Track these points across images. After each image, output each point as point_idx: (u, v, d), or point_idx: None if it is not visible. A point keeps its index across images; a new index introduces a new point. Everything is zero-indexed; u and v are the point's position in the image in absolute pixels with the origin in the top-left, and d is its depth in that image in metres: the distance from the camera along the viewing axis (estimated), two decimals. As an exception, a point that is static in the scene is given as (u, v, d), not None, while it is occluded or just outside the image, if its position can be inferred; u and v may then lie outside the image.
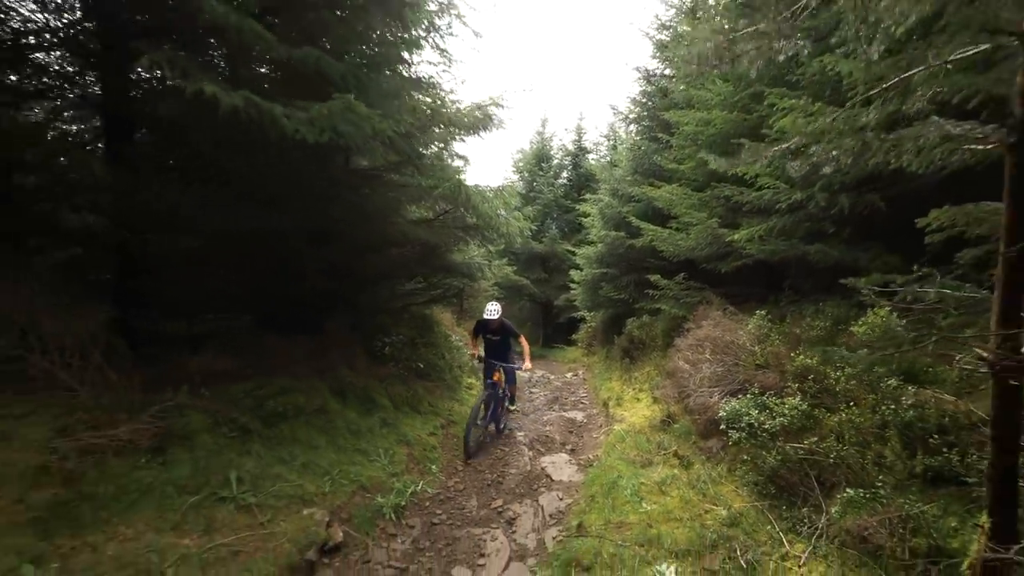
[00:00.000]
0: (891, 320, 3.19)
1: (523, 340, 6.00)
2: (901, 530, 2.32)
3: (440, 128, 4.57)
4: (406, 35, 4.05)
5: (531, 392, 10.26)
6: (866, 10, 2.20)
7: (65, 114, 4.08)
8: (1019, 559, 1.68)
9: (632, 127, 12.62)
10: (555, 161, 23.49)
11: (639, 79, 11.84)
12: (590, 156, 23.18)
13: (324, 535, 3.17)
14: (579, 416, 8.01)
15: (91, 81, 3.85)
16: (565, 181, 22.79)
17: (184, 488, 2.89)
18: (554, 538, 3.73)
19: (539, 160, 22.25)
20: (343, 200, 5.29)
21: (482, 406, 5.65)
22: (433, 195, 5.16)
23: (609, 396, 8.32)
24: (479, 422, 5.66)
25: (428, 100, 4.81)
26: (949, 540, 2.17)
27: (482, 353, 6.05)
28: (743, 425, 3.59)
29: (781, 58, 2.49)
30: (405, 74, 4.51)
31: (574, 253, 17.68)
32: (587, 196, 20.51)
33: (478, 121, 5.26)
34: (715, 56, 2.48)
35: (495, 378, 5.85)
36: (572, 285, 14.27)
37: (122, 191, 3.35)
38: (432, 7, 4.11)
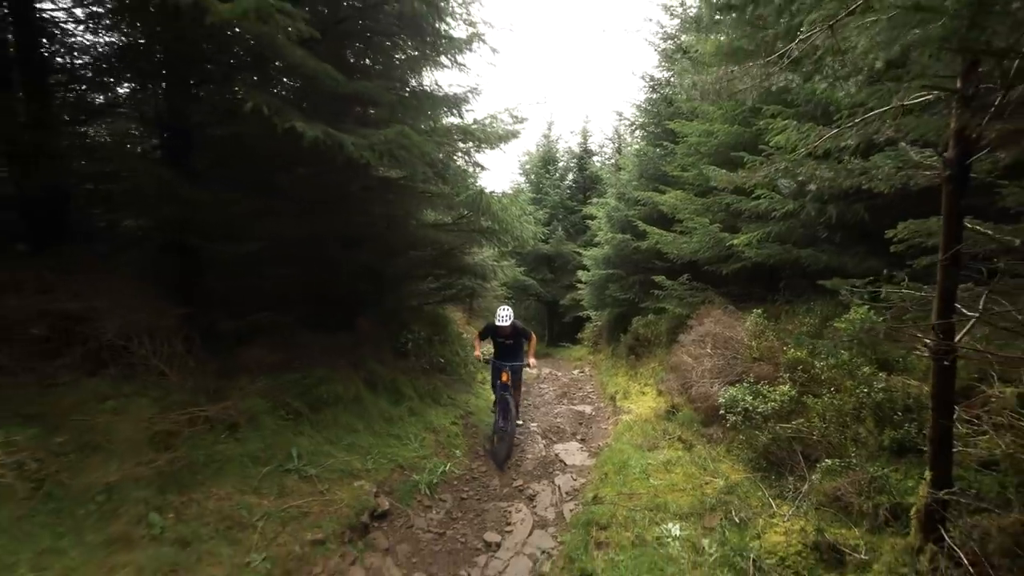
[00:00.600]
0: (867, 316, 3.65)
1: (532, 337, 6.08)
2: (868, 490, 2.77)
3: (465, 143, 5.03)
4: (437, 58, 4.53)
5: (540, 387, 10.73)
6: (843, 56, 2.66)
7: (134, 132, 4.57)
8: (949, 498, 2.14)
9: (638, 133, 13.08)
10: (561, 163, 23.94)
11: (645, 87, 12.28)
12: (595, 159, 23.65)
13: (373, 503, 3.65)
14: (587, 409, 8.47)
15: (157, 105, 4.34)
16: (571, 183, 23.21)
17: (257, 460, 3.38)
18: (571, 510, 4.20)
19: (545, 163, 22.68)
20: (374, 207, 5.77)
21: (499, 414, 5.60)
22: (455, 202, 5.63)
23: (616, 390, 8.78)
24: (506, 429, 5.52)
25: (456, 120, 5.28)
26: (906, 496, 2.63)
27: (486, 357, 6.18)
28: (739, 410, 4.05)
29: (774, 88, 2.95)
30: (437, 94, 4.97)
31: (580, 253, 18.15)
32: (593, 198, 20.99)
33: (500, 136, 5.71)
34: (715, 92, 2.94)
35: (504, 379, 5.66)
36: (579, 285, 14.71)
37: (189, 202, 3.83)
38: (462, 35, 4.58)
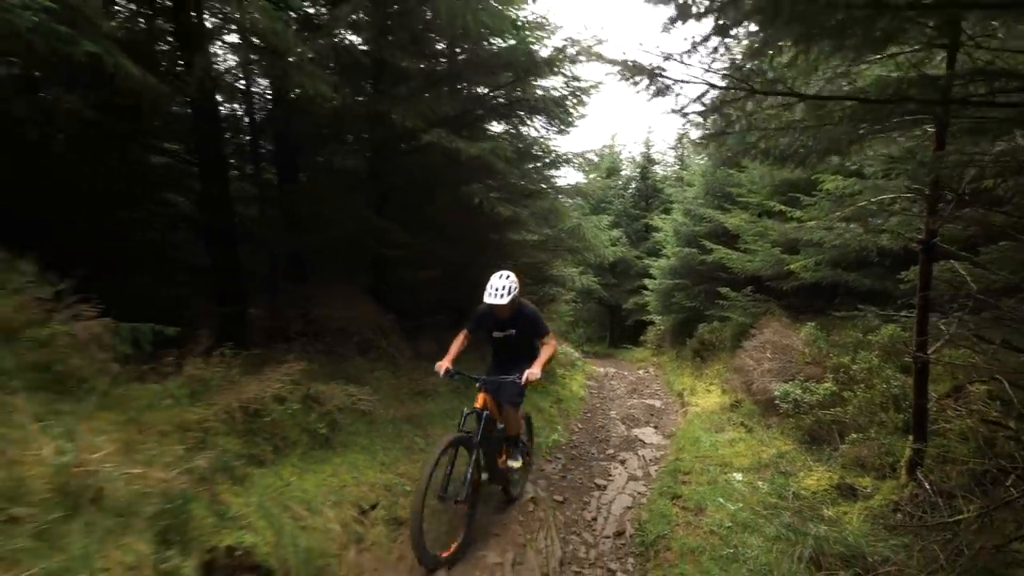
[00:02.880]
0: (896, 333, 4.84)
1: (551, 340, 3.73)
2: (879, 454, 4.02)
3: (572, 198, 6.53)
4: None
5: (611, 384, 12.10)
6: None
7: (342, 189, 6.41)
8: (921, 448, 3.40)
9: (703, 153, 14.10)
10: (624, 172, 25.04)
11: (711, 110, 13.30)
12: (657, 168, 24.60)
13: (517, 452, 5.22)
14: (657, 403, 9.77)
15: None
16: (634, 191, 24.20)
17: (446, 415, 5.03)
18: (655, 471, 5.60)
19: (609, 173, 23.79)
20: (493, 236, 7.41)
21: (439, 460, 3.00)
22: (560, 234, 7.13)
23: (683, 388, 10.02)
24: (440, 494, 3.06)
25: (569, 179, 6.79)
26: (903, 456, 3.87)
27: (455, 369, 3.58)
28: (790, 400, 5.31)
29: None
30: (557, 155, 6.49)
31: (641, 258, 19.26)
32: (656, 208, 21.95)
33: (590, 161, 7.14)
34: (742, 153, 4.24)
35: (479, 403, 3.46)
36: (645, 292, 15.86)
37: (385, 240, 5.55)
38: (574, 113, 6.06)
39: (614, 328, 23.39)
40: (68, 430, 1.76)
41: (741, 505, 3.84)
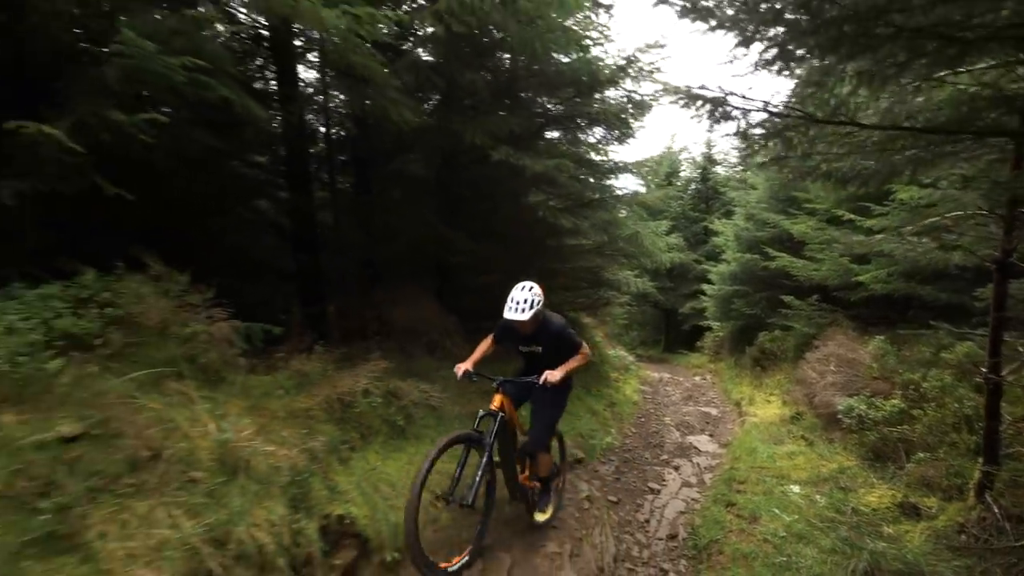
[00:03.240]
0: (972, 351, 4.67)
1: (584, 351, 3.39)
2: (947, 474, 3.94)
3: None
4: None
5: (665, 390, 12.04)
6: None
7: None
8: (993, 471, 3.33)
9: (769, 155, 13.68)
10: (683, 173, 24.51)
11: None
12: (719, 168, 23.90)
13: (574, 452, 5.45)
14: (713, 411, 9.67)
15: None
16: (693, 192, 23.64)
17: (506, 415, 5.32)
18: (710, 479, 5.66)
19: (668, 176, 23.37)
20: (547, 243, 7.66)
21: (437, 458, 2.69)
22: (617, 241, 7.28)
23: (741, 397, 9.86)
24: (446, 495, 2.87)
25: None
26: (972, 478, 3.78)
27: (477, 371, 3.34)
28: (854, 415, 5.22)
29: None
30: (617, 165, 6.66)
31: (700, 262, 18.83)
32: (715, 207, 21.39)
33: (648, 168, 7.24)
34: (804, 176, 4.22)
35: (495, 405, 3.14)
36: (703, 297, 15.58)
37: (452, 249, 5.91)
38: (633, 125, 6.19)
39: (669, 332, 23.01)
40: (220, 413, 2.19)
41: (797, 517, 3.89)
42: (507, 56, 5.79)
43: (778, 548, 3.38)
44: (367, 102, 3.89)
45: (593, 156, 6.64)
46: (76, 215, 3.29)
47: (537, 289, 3.21)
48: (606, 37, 4.84)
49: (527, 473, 3.61)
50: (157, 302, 2.58)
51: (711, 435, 7.89)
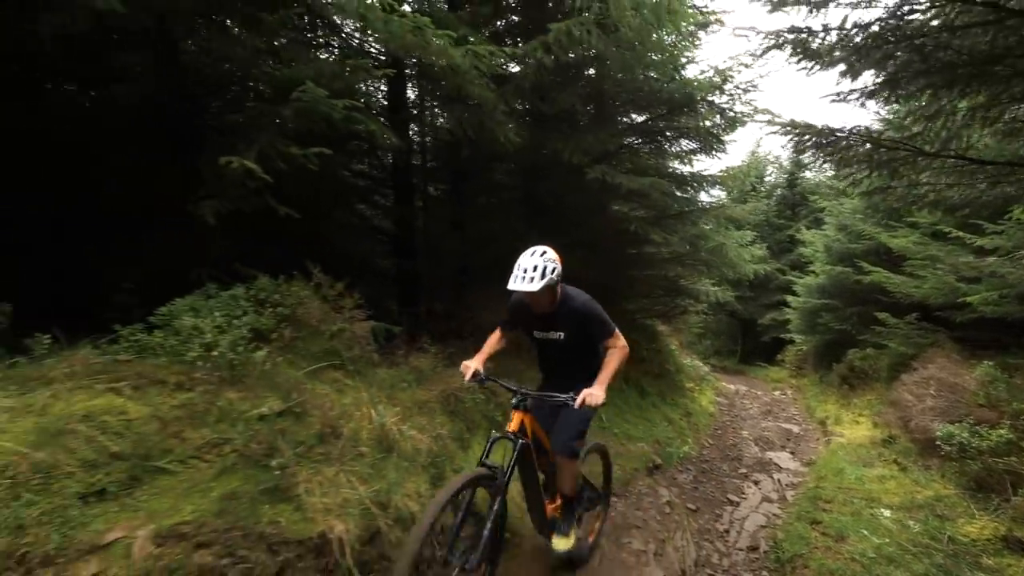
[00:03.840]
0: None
1: (618, 342, 2.59)
2: (1062, 512, 3.75)
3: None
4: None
5: (743, 403, 11.74)
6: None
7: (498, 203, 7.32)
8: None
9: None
10: (768, 179, 23.42)
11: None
12: (808, 173, 22.61)
13: (652, 458, 5.62)
14: (795, 428, 9.36)
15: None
16: (778, 198, 22.55)
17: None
18: (792, 496, 5.60)
19: (753, 184, 22.45)
20: (628, 252, 7.83)
21: (445, 509, 2.01)
22: (700, 252, 7.31)
23: (826, 416, 9.47)
24: (447, 555, 2.09)
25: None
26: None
27: (486, 375, 2.68)
28: (955, 443, 4.99)
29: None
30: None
31: (784, 272, 17.95)
32: (802, 214, 20.28)
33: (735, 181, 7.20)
34: (909, 204, 4.12)
35: (513, 426, 2.46)
36: (786, 309, 14.93)
37: None
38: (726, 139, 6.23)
39: (746, 343, 22.11)
40: (377, 400, 2.66)
41: (888, 540, 3.87)
42: (596, 74, 6.05)
43: (866, 568, 3.41)
44: (478, 122, 4.28)
45: (680, 168, 6.76)
46: (241, 229, 3.95)
47: (552, 254, 2.46)
48: (696, 48, 4.96)
49: (556, 503, 2.83)
50: (314, 304, 3.12)
51: (792, 452, 7.70)
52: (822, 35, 2.27)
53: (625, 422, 6.20)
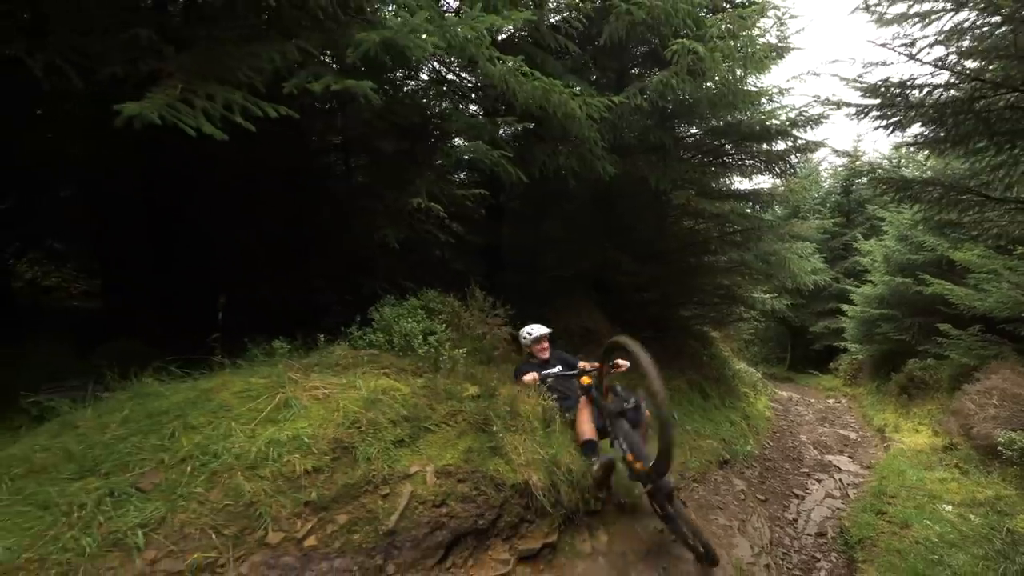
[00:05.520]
0: None
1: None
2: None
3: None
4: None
5: (797, 409, 12.03)
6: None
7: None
8: None
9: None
10: (824, 185, 23.14)
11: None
12: (864, 179, 22.28)
13: (721, 454, 6.20)
14: (852, 435, 9.66)
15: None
16: (833, 205, 22.27)
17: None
18: (854, 494, 6.07)
19: (805, 187, 22.20)
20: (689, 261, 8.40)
21: None
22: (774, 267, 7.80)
23: (884, 424, 9.71)
24: None
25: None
26: None
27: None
28: (1016, 448, 5.38)
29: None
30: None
31: (837, 280, 17.84)
32: (857, 221, 20.02)
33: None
34: (971, 235, 4.54)
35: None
36: (842, 318, 14.98)
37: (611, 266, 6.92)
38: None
39: (795, 350, 21.94)
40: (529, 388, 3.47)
41: (949, 529, 4.36)
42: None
43: (930, 548, 3.94)
44: (579, 156, 5.00)
45: (745, 184, 7.30)
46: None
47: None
48: (781, 92, 5.52)
49: None
50: (465, 312, 3.93)
51: (851, 457, 8.08)
52: (902, 111, 2.88)
53: (693, 421, 6.80)
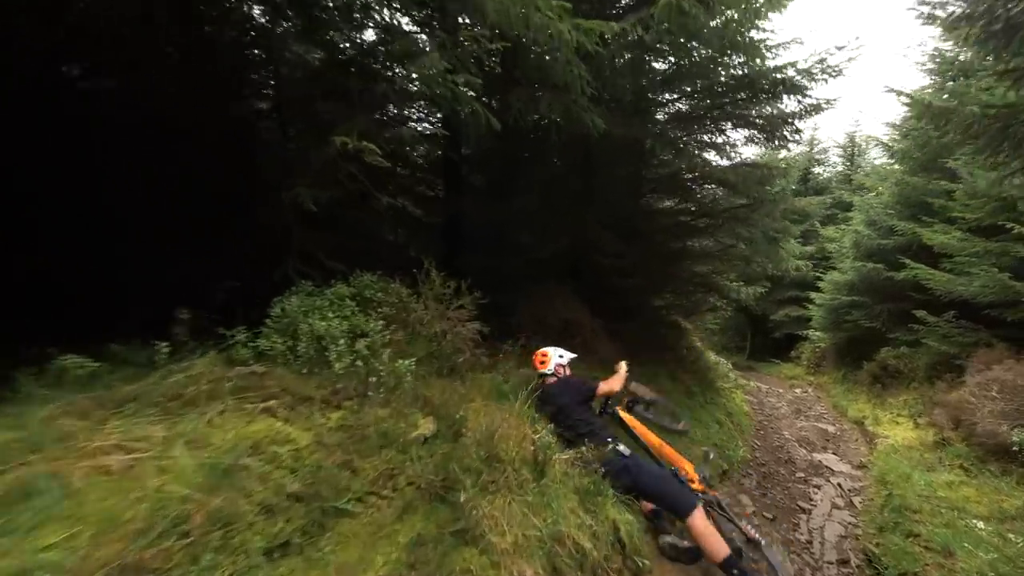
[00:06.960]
0: None
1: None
2: None
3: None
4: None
5: (769, 400, 11.60)
6: None
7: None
8: None
9: (894, 158, 12.55)
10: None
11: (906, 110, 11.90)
12: (820, 168, 22.60)
13: (719, 463, 5.41)
14: (830, 428, 9.22)
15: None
16: (791, 194, 22.33)
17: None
18: (859, 502, 5.43)
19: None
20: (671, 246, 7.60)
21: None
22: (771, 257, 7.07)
23: (862, 416, 9.33)
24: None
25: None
26: None
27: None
28: (1036, 449, 4.84)
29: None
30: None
31: (799, 269, 17.75)
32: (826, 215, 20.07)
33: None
34: None
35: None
36: (808, 305, 14.79)
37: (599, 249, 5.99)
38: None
39: (755, 339, 21.98)
40: (530, 417, 2.40)
41: (996, 556, 3.68)
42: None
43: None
44: (565, 111, 3.98)
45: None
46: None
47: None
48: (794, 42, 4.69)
49: None
50: (418, 303, 2.84)
51: (836, 454, 7.56)
52: None
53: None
